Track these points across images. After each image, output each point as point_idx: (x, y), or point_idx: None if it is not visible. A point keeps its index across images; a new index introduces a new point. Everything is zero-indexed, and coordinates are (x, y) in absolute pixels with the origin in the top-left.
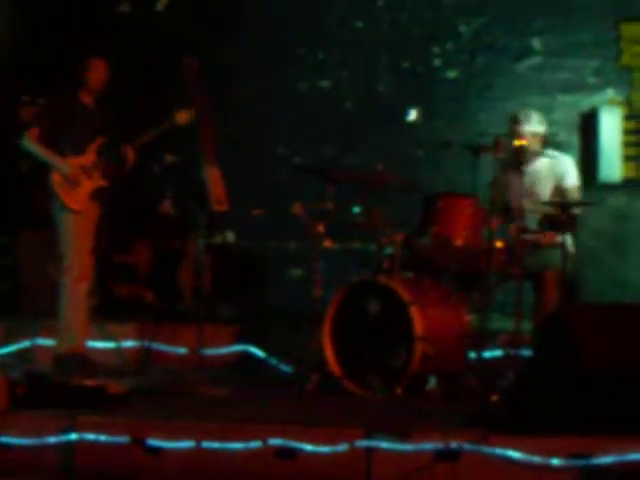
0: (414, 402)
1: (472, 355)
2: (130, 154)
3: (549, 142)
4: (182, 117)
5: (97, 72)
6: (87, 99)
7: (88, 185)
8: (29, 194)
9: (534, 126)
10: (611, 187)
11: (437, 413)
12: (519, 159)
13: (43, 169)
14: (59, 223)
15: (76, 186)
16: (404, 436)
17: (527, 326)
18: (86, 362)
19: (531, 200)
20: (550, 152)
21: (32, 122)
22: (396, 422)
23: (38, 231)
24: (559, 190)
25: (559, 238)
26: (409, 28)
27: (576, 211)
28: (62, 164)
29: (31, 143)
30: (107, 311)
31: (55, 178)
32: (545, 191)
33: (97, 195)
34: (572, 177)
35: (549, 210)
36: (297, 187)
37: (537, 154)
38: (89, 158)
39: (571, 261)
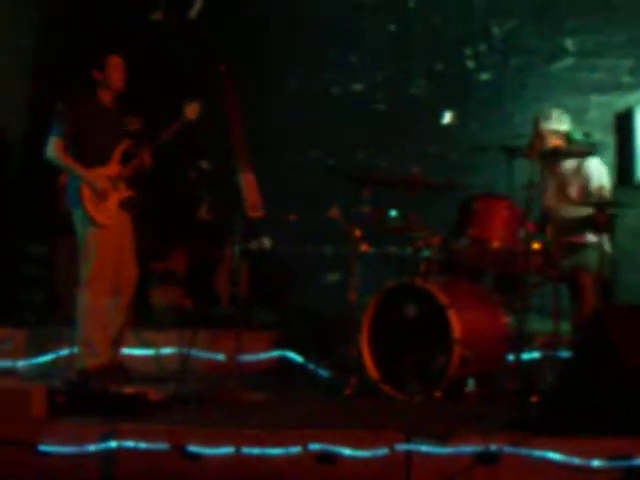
0: (453, 405)
1: (511, 357)
2: (147, 157)
3: (573, 142)
4: (191, 111)
5: (115, 70)
6: (107, 101)
7: (115, 197)
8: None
9: (554, 124)
10: None
11: (476, 416)
12: (549, 160)
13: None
14: (83, 235)
15: (104, 200)
16: (444, 439)
17: (565, 327)
18: (121, 370)
19: (563, 201)
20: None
21: (54, 132)
22: (435, 425)
23: (73, 238)
24: (585, 192)
25: (595, 239)
26: (442, 31)
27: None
28: (92, 179)
29: (56, 155)
30: (145, 318)
31: (84, 192)
32: (573, 193)
33: (124, 205)
34: (597, 179)
35: (585, 211)
36: (332, 191)
37: (567, 155)
38: (114, 168)
39: (608, 262)
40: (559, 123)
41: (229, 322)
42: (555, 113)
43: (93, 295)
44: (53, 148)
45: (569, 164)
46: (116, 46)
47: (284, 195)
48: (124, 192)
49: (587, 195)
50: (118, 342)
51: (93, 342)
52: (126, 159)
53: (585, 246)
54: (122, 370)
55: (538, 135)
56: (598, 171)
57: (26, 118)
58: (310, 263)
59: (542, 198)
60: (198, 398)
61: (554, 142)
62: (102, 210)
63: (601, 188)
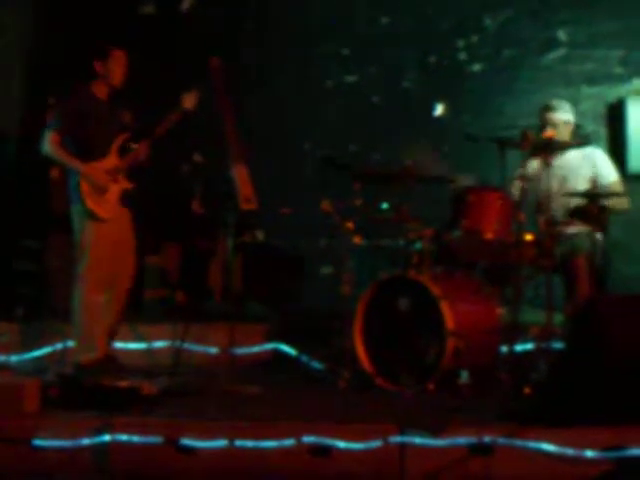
0: (446, 397)
1: (504, 348)
2: (143, 149)
3: (577, 134)
4: (189, 101)
5: (117, 63)
6: (102, 94)
7: (115, 190)
8: (49, 198)
9: (566, 114)
10: None
11: (470, 407)
12: (548, 151)
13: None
14: (80, 230)
15: (104, 193)
16: (437, 431)
17: (558, 318)
18: (113, 362)
19: (563, 193)
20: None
21: (50, 126)
22: (429, 417)
23: (66, 234)
24: (597, 186)
25: (587, 228)
26: (434, 22)
27: (607, 202)
28: (90, 172)
29: (52, 150)
30: (138, 312)
31: (83, 187)
32: (578, 185)
33: (125, 199)
34: (609, 172)
35: (579, 202)
36: (325, 184)
37: (566, 146)
38: (112, 161)
39: (600, 251)
40: (569, 114)
41: (222, 315)
42: (566, 104)
43: (89, 290)
44: (49, 142)
45: (570, 156)
46: (112, 40)
47: (277, 188)
48: (124, 184)
49: (601, 188)
50: (112, 335)
51: (89, 337)
52: (123, 152)
53: (576, 235)
54: (114, 362)
55: (549, 124)
56: (607, 164)
57: (19, 115)
58: (303, 256)
59: (536, 189)
60: (191, 391)
61: (565, 132)
62: (102, 203)
63: (614, 181)
